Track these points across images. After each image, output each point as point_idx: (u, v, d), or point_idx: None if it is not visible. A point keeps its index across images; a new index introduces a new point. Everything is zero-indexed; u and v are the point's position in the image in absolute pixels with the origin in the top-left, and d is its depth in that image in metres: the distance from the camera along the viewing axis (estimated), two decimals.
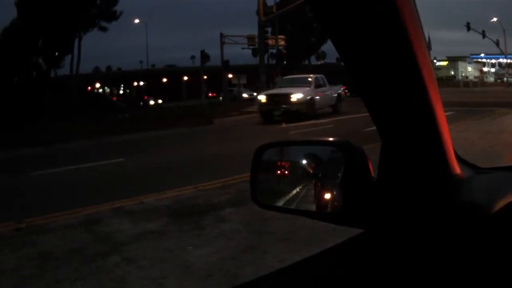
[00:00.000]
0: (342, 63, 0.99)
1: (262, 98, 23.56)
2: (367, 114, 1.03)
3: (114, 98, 66.21)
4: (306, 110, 21.93)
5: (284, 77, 28.70)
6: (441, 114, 0.99)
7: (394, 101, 0.98)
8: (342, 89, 27.24)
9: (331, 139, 1.17)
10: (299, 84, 23.84)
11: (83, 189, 9.12)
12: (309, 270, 1.13)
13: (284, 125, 19.82)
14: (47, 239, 5.62)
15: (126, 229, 5.89)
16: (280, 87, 24.97)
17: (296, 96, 22.16)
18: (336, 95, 25.87)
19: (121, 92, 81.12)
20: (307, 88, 23.09)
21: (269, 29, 46.29)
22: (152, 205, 7.00)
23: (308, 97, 22.37)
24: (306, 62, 75.24)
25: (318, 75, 25.66)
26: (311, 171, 1.21)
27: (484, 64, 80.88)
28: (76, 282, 4.34)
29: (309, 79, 24.34)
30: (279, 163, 1.30)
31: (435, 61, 70.84)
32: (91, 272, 4.53)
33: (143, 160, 12.80)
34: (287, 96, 22.26)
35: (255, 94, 35.72)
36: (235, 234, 5.50)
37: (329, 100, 25.08)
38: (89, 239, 5.60)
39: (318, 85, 24.06)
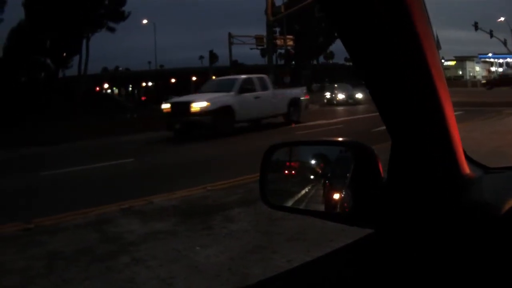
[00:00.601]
0: (351, 63, 0.99)
1: (166, 106, 18.68)
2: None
3: (132, 99, 66.66)
4: (213, 122, 16.87)
5: (211, 80, 23.87)
6: (450, 114, 0.99)
7: (404, 101, 0.97)
8: (303, 93, 22.32)
9: (340, 139, 1.17)
10: (222, 88, 18.80)
11: (91, 189, 9.14)
12: (318, 270, 1.13)
13: (294, 125, 19.63)
14: (56, 239, 5.63)
15: (135, 229, 5.90)
16: (201, 92, 19.92)
17: (198, 105, 17.19)
18: (288, 101, 20.68)
19: (130, 92, 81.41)
20: (226, 94, 18.06)
21: (277, 29, 46.19)
22: (161, 205, 7.00)
23: (218, 106, 17.26)
24: (315, 62, 75.50)
25: (253, 76, 20.20)
26: (320, 171, 1.21)
27: (492, 64, 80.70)
28: (84, 282, 4.34)
29: (233, 82, 19.12)
30: (288, 163, 1.31)
31: (443, 61, 70.73)
32: (100, 272, 4.54)
33: (150, 160, 12.85)
34: (188, 104, 17.36)
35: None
36: (243, 234, 5.50)
37: (274, 108, 19.89)
38: (98, 239, 5.60)
39: (245, 89, 18.80)
